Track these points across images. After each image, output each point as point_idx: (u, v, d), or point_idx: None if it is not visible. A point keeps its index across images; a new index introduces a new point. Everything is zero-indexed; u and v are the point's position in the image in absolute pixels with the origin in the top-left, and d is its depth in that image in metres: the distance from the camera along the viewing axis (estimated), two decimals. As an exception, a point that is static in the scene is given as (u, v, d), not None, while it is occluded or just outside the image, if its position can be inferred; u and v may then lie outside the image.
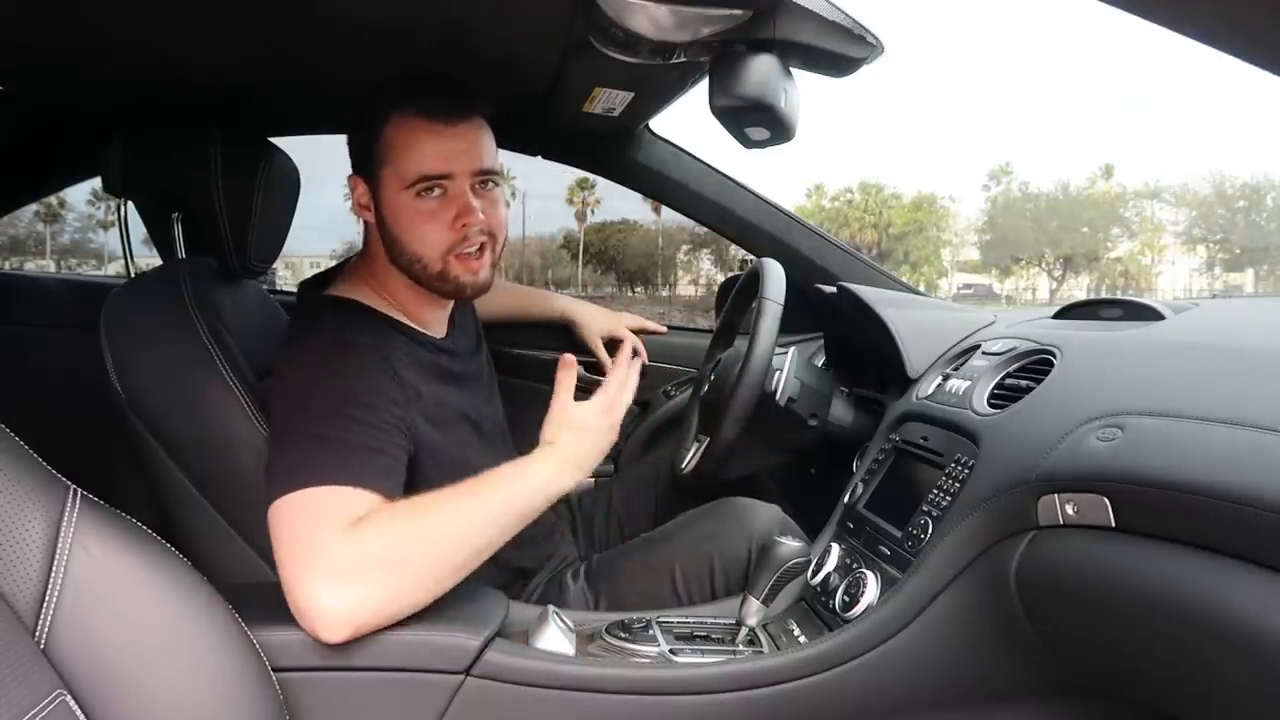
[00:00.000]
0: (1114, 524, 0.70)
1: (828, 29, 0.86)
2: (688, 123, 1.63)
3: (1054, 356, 0.96)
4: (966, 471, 0.90)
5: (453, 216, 0.96)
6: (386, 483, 0.83)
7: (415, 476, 0.91)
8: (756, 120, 0.91)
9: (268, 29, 0.97)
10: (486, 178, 0.99)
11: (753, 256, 1.44)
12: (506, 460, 0.89)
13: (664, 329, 1.67)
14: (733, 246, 1.62)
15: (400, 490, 0.85)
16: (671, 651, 0.88)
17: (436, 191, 0.96)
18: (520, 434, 1.12)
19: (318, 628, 0.75)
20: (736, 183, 1.58)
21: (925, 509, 0.93)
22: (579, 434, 0.90)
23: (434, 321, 1.07)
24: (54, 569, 0.60)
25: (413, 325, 1.03)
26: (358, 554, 0.76)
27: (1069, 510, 0.74)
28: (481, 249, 0.99)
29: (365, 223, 1.03)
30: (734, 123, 0.93)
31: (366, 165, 1.00)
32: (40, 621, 0.59)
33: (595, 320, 1.58)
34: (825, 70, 0.92)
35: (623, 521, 1.32)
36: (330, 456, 0.82)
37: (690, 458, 1.24)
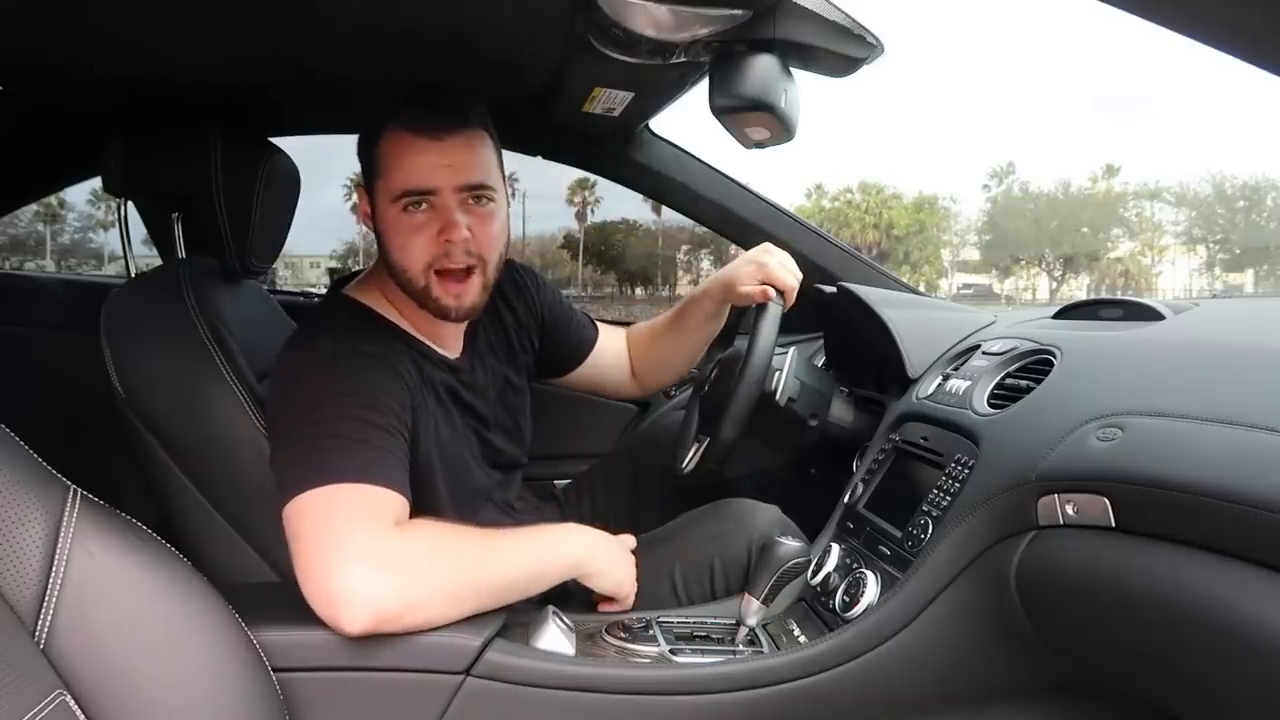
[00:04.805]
0: (1114, 524, 0.70)
1: (828, 29, 0.86)
2: (688, 123, 1.63)
3: (1054, 357, 0.96)
4: (966, 471, 0.90)
5: (436, 231, 0.94)
6: (405, 488, 0.84)
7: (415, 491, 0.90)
8: (756, 120, 0.91)
9: (268, 29, 0.97)
10: (478, 193, 0.95)
11: (753, 257, 1.44)
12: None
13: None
14: (733, 247, 1.61)
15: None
16: (671, 651, 0.88)
17: (423, 206, 0.94)
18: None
19: (340, 611, 0.73)
20: (737, 183, 1.58)
21: (925, 509, 0.93)
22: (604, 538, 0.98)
23: (443, 337, 1.05)
24: (54, 569, 0.60)
25: (421, 339, 1.02)
26: (400, 548, 0.77)
27: (1069, 510, 0.74)
28: (469, 271, 0.96)
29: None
30: (734, 123, 0.93)
31: (367, 177, 0.99)
32: (40, 621, 0.59)
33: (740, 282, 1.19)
34: (825, 70, 0.92)
35: (618, 525, 1.32)
36: (352, 456, 0.81)
37: (690, 458, 1.24)
